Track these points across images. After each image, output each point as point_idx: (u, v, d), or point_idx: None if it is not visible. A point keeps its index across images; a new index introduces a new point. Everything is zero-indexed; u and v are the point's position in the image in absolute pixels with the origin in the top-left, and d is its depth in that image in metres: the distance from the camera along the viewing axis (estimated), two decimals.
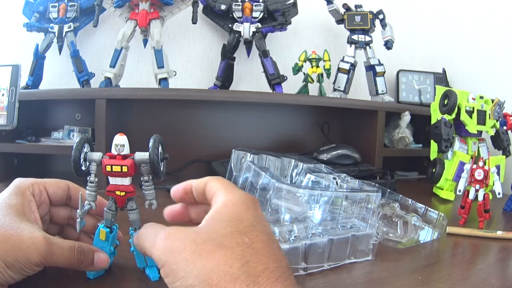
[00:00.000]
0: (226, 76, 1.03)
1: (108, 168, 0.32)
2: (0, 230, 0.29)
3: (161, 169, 0.33)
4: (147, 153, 0.32)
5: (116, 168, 0.32)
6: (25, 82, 0.91)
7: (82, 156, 0.33)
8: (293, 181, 0.56)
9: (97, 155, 0.33)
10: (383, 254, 0.45)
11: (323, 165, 0.58)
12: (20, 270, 0.29)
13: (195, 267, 0.25)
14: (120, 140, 0.32)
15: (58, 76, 1.02)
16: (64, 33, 0.92)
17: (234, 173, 0.55)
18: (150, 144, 0.32)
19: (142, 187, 0.34)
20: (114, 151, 0.32)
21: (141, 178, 0.33)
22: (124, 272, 0.36)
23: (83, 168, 0.33)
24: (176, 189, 0.34)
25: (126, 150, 0.32)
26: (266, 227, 0.29)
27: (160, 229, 0.28)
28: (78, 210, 0.33)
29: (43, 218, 0.36)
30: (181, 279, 0.25)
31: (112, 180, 0.33)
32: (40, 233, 0.31)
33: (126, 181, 0.33)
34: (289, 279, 0.26)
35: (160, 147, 0.33)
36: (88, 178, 0.33)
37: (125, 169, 0.32)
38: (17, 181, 0.35)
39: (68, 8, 0.93)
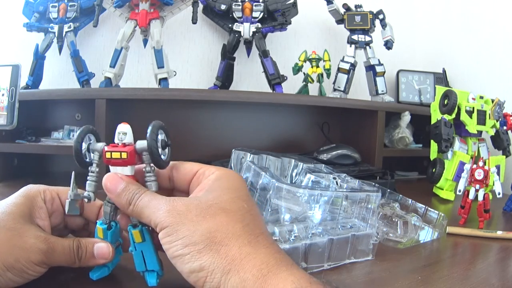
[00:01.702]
0: (226, 76, 1.03)
1: (108, 155, 0.30)
2: (2, 232, 0.29)
3: (163, 157, 0.31)
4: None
5: (116, 155, 0.30)
6: (25, 82, 0.91)
7: (86, 146, 0.32)
8: (293, 181, 0.56)
9: (100, 145, 0.32)
10: (383, 254, 0.45)
11: (323, 165, 0.58)
12: (21, 271, 0.28)
13: (200, 227, 0.27)
14: (123, 128, 0.31)
15: (58, 76, 1.02)
16: (64, 33, 0.92)
17: None
18: (148, 130, 0.30)
19: (144, 177, 0.32)
20: (116, 140, 0.31)
21: (143, 169, 0.32)
22: (129, 274, 0.35)
23: (87, 159, 0.32)
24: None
25: (129, 139, 0.31)
26: (253, 201, 0.32)
27: (162, 197, 0.29)
28: (69, 191, 0.32)
29: (58, 227, 0.35)
30: (184, 237, 0.27)
31: (113, 169, 0.31)
32: (41, 232, 0.30)
33: (127, 170, 0.31)
34: (279, 246, 0.29)
35: (161, 133, 0.31)
36: (89, 168, 0.32)
37: (124, 155, 0.30)
38: (28, 186, 0.34)
39: (68, 8, 0.93)
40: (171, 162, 0.33)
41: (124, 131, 0.31)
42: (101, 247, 0.32)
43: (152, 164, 0.31)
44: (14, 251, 0.28)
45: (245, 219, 0.28)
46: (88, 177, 0.32)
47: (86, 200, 0.32)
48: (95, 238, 0.33)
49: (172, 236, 0.27)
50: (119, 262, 0.35)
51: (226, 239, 0.26)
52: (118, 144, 0.31)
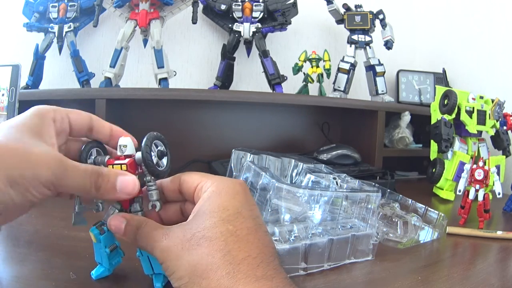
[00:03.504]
0: (226, 76, 1.03)
1: (110, 167, 0.31)
2: (8, 143, 0.25)
3: (160, 168, 0.32)
4: None
5: (117, 167, 0.31)
6: (25, 82, 0.91)
7: (92, 160, 0.32)
8: (293, 181, 0.56)
9: (105, 158, 0.32)
10: (383, 254, 0.45)
11: (323, 165, 0.58)
12: (25, 190, 0.25)
13: (183, 261, 0.27)
14: (123, 141, 0.32)
15: (58, 76, 1.02)
16: (64, 33, 0.92)
17: (234, 173, 0.55)
18: (142, 141, 0.31)
19: (146, 187, 0.33)
20: (118, 152, 0.32)
21: (144, 179, 0.33)
22: (130, 277, 0.35)
23: None
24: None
25: (129, 151, 0.32)
26: (253, 211, 0.30)
27: (158, 230, 0.29)
28: (75, 204, 0.32)
29: (60, 147, 0.32)
30: (173, 273, 0.27)
31: None
32: (54, 151, 0.28)
33: None
34: (272, 264, 0.27)
35: (157, 144, 0.32)
36: None
37: (124, 167, 0.31)
38: (38, 106, 0.31)
39: (68, 8, 0.93)
40: (180, 174, 0.33)
41: (124, 144, 0.32)
42: (126, 180, 0.29)
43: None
44: (20, 165, 0.25)
45: (227, 244, 0.27)
46: None
47: (94, 211, 0.33)
48: (120, 171, 0.30)
49: (166, 272, 0.28)
50: (120, 263, 0.35)
51: (206, 272, 0.26)
52: (120, 156, 0.32)
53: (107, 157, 0.32)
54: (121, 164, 0.31)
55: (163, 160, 0.33)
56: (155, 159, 0.32)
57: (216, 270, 0.26)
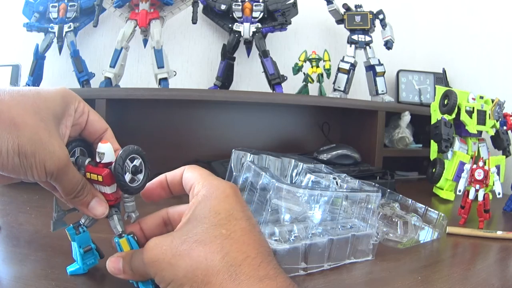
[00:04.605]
0: (226, 76, 1.03)
1: (88, 175, 0.31)
2: (34, 117, 0.27)
3: (134, 183, 0.31)
4: None
5: (94, 177, 0.31)
6: (25, 82, 0.91)
7: (73, 160, 0.32)
8: (293, 181, 0.56)
9: (85, 161, 0.32)
10: (383, 254, 0.45)
11: (323, 165, 0.58)
12: (29, 166, 0.26)
13: (179, 268, 0.26)
14: (101, 148, 0.31)
15: (58, 76, 1.02)
16: (64, 33, 0.92)
17: (234, 173, 0.55)
18: (117, 155, 0.30)
19: (122, 199, 0.33)
20: (97, 159, 0.31)
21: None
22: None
23: None
24: (151, 187, 0.34)
25: (108, 158, 0.31)
26: (245, 212, 0.29)
27: (141, 250, 0.29)
28: (53, 213, 0.32)
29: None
30: (171, 282, 0.26)
31: (97, 187, 0.32)
32: (65, 149, 0.29)
33: (107, 189, 0.31)
34: (271, 263, 0.27)
35: (134, 158, 0.31)
36: None
37: (100, 178, 0.30)
38: (66, 89, 0.32)
39: (68, 8, 0.93)
40: (184, 168, 0.33)
41: (102, 151, 0.31)
42: (98, 205, 0.31)
43: None
44: (36, 146, 0.26)
45: (224, 248, 0.26)
46: None
47: (75, 211, 0.33)
48: (98, 193, 0.32)
49: (162, 284, 0.27)
50: (96, 264, 0.36)
51: (207, 276, 0.25)
52: (97, 162, 0.31)
53: (88, 160, 0.32)
54: (97, 175, 0.31)
55: (139, 176, 0.32)
56: (128, 176, 0.31)
57: (217, 273, 0.25)
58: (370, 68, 1.07)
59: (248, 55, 1.07)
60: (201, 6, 1.02)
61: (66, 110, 0.31)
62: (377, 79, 1.06)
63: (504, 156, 0.85)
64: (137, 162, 0.32)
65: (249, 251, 0.27)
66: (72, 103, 0.31)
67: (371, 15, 1.06)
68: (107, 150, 0.31)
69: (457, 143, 0.83)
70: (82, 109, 0.32)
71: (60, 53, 0.94)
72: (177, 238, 0.27)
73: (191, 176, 0.32)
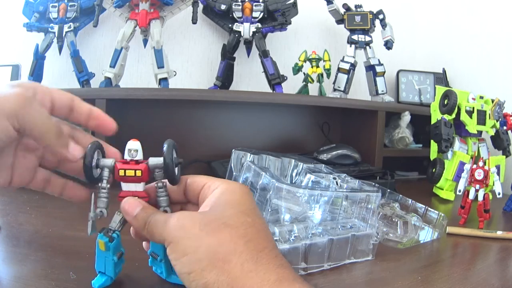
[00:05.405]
0: (226, 76, 1.03)
1: (121, 173, 0.31)
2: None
3: (176, 174, 0.32)
4: (161, 158, 0.31)
5: (130, 173, 0.31)
6: None
7: (94, 162, 0.32)
8: (293, 181, 0.56)
9: (109, 161, 0.32)
10: (383, 254, 0.45)
11: (323, 165, 0.58)
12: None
13: (203, 243, 0.27)
14: (133, 145, 0.32)
15: (58, 76, 1.02)
16: (64, 33, 0.92)
17: (234, 173, 0.55)
18: (164, 148, 0.31)
19: (157, 193, 0.33)
20: (127, 156, 0.32)
21: (155, 185, 0.33)
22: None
23: (94, 175, 0.32)
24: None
25: (140, 156, 0.32)
26: (258, 211, 0.32)
27: (170, 214, 0.30)
28: (90, 213, 0.32)
29: None
30: (189, 254, 0.27)
31: (125, 186, 0.32)
32: (27, 93, 0.30)
33: (140, 187, 0.32)
34: (283, 259, 0.29)
35: (174, 152, 0.32)
36: (99, 184, 0.32)
37: (139, 173, 0.31)
38: (20, 83, 0.31)
39: (68, 8, 0.93)
40: (185, 176, 0.34)
41: (135, 148, 0.32)
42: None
43: (163, 180, 0.32)
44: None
45: (247, 234, 0.28)
46: (99, 194, 0.33)
47: (99, 216, 0.33)
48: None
49: (178, 253, 0.27)
50: (121, 271, 0.35)
51: (229, 256, 0.26)
52: (127, 160, 0.32)
53: (112, 160, 0.32)
54: (135, 170, 0.31)
55: (177, 169, 0.33)
56: (177, 169, 0.32)
57: (240, 254, 0.26)
58: (370, 68, 1.07)
59: (248, 55, 1.07)
60: (201, 6, 1.02)
61: (23, 104, 0.30)
62: (377, 79, 1.06)
63: (504, 156, 0.85)
64: (175, 155, 0.33)
65: (267, 243, 0.29)
66: (27, 93, 0.30)
67: (371, 15, 1.06)
68: (139, 147, 0.32)
69: (457, 143, 0.83)
70: (42, 92, 0.32)
71: (60, 53, 0.94)
72: (208, 216, 0.29)
73: (201, 179, 0.33)
